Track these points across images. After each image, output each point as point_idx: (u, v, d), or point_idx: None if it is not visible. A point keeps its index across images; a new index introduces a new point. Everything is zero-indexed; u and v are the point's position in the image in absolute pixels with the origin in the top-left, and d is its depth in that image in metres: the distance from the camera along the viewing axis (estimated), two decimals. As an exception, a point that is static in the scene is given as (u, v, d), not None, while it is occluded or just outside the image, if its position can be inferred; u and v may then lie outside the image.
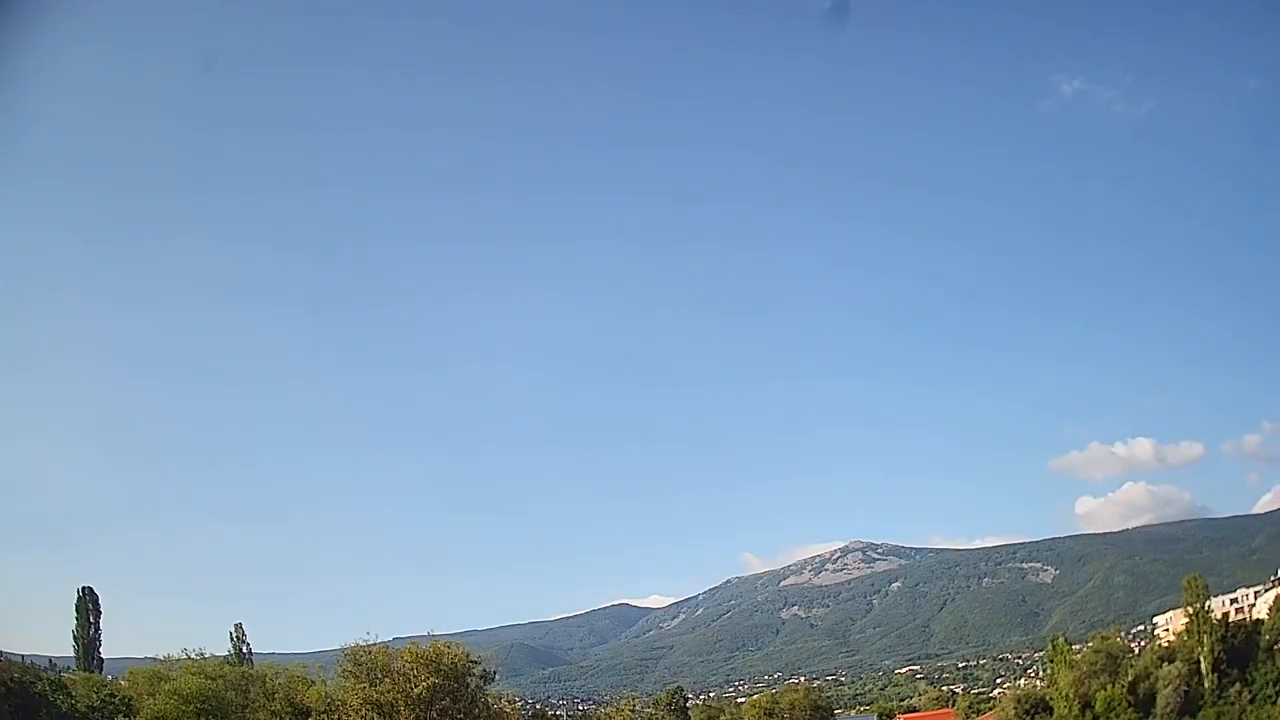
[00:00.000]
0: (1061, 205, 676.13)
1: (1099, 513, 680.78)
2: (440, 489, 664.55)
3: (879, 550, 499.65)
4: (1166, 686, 75.60)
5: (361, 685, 51.02)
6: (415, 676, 50.75)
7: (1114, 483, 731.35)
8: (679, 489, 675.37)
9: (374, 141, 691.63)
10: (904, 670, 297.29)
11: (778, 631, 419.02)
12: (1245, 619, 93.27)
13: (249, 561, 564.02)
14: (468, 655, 55.08)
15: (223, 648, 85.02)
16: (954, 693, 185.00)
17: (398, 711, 50.01)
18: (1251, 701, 72.33)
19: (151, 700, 56.46)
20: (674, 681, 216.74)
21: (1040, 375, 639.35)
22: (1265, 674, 73.53)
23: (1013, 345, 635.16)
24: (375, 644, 54.67)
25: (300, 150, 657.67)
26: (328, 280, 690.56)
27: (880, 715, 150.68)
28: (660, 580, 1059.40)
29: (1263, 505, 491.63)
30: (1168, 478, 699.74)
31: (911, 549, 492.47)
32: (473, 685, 55.02)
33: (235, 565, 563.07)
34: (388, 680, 51.07)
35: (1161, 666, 78.49)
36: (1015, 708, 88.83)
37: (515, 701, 73.87)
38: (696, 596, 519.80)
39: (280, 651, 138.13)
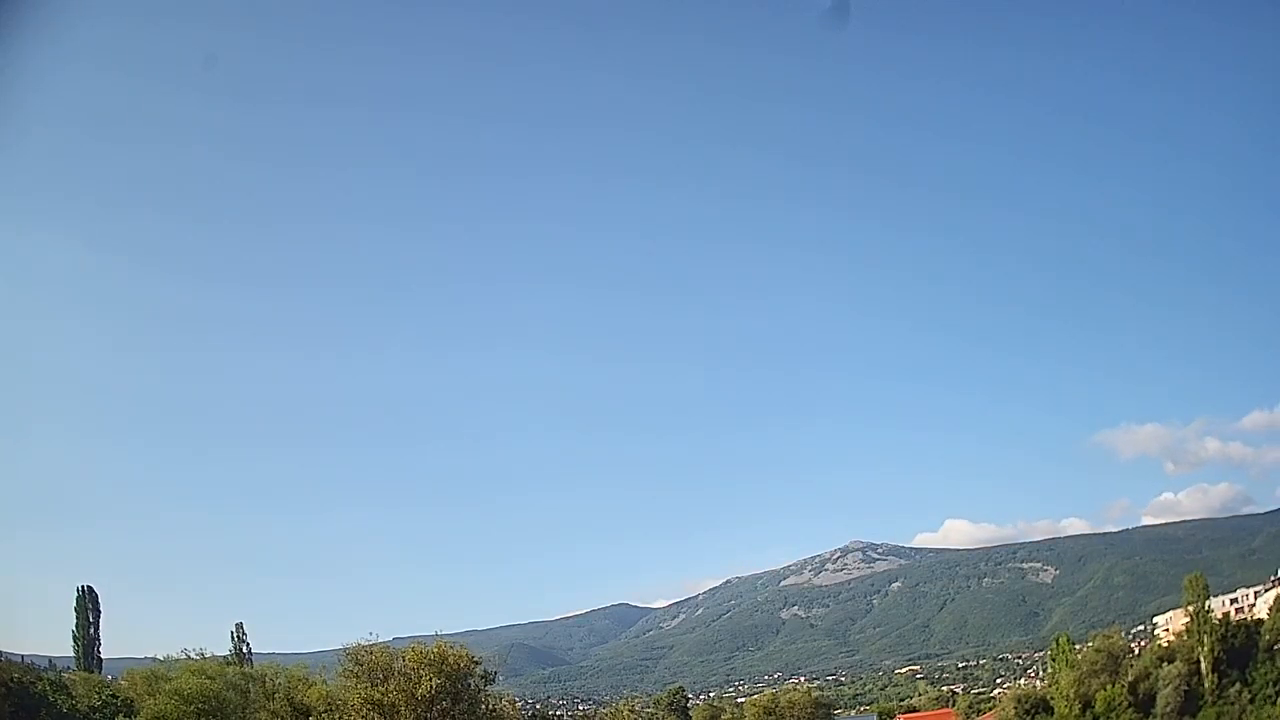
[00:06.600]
0: (1062, 205, 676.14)
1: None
2: (440, 488, 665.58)
3: (879, 550, 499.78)
4: (1166, 686, 75.54)
5: (363, 685, 50.88)
6: (419, 677, 50.64)
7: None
8: (679, 488, 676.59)
9: (376, 131, 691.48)
10: (904, 670, 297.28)
11: (778, 631, 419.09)
12: (1245, 619, 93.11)
13: (250, 561, 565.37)
14: (470, 656, 54.94)
15: (223, 647, 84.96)
16: (954, 693, 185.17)
17: (399, 711, 49.91)
18: (1251, 701, 72.25)
19: (151, 700, 56.41)
20: (674, 681, 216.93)
21: (1041, 375, 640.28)
22: (1265, 674, 73.44)
23: (1015, 345, 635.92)
24: (376, 644, 54.53)
25: (300, 139, 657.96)
26: (331, 272, 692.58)
27: (880, 715, 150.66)
28: (660, 580, 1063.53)
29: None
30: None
31: (911, 549, 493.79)
32: (474, 686, 54.89)
33: (236, 565, 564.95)
34: (392, 681, 50.95)
35: (1162, 666, 78.41)
36: (1015, 708, 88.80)
37: (515, 702, 73.77)
38: (696, 596, 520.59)
39: (281, 651, 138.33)
